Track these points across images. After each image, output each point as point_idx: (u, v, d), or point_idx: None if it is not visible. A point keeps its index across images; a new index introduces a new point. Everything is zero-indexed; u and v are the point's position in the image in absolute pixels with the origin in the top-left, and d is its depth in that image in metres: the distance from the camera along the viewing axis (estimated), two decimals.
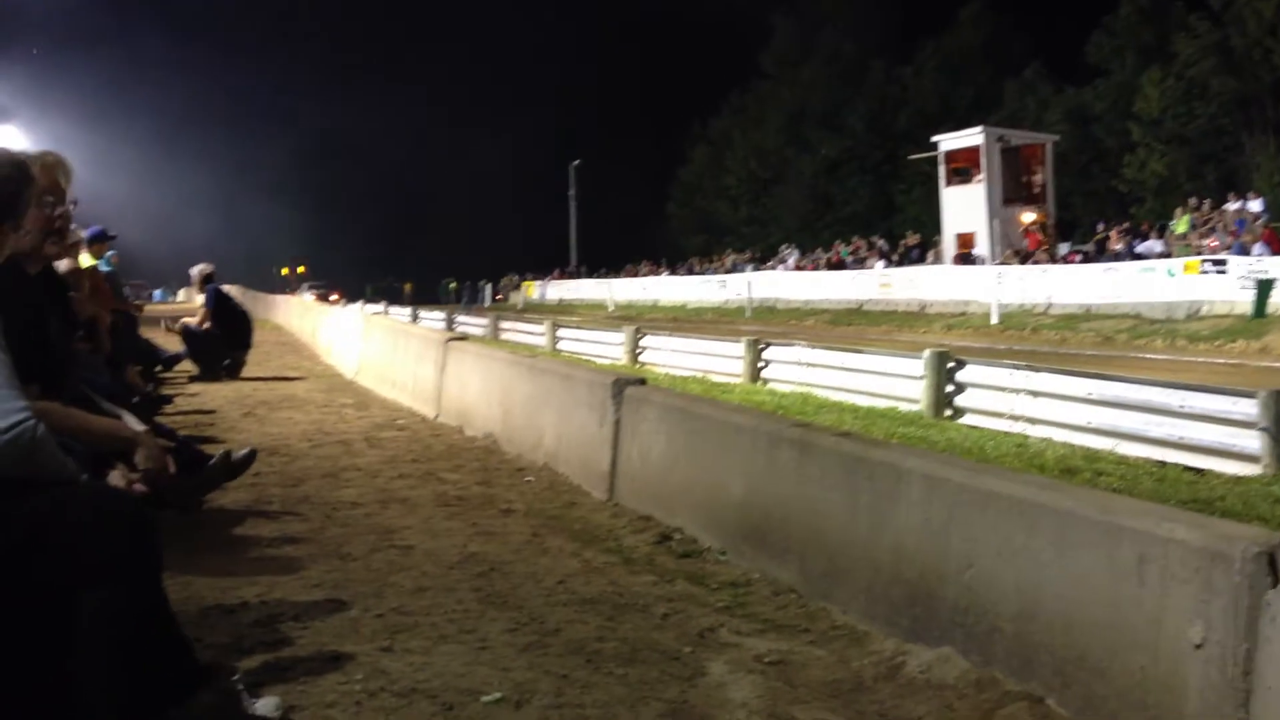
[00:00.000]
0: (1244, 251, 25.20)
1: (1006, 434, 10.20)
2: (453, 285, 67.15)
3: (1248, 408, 8.47)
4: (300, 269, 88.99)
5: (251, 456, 6.22)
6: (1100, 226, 33.44)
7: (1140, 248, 29.15)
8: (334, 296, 59.38)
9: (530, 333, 25.16)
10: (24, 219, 2.96)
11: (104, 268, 10.88)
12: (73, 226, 6.57)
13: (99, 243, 10.82)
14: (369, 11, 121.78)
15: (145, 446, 3.21)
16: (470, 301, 58.04)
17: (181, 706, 2.91)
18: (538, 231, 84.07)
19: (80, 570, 2.66)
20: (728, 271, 47.98)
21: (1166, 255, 27.74)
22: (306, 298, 57.36)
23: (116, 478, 3.16)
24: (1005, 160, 36.29)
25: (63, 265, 6.84)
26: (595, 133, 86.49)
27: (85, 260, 9.55)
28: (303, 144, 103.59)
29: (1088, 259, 30.70)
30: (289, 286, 71.93)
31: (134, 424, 3.65)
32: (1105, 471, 8.06)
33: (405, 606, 4.31)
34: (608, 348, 20.06)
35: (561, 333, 22.98)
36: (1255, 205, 28.46)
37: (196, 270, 14.49)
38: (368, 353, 13.71)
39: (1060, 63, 50.06)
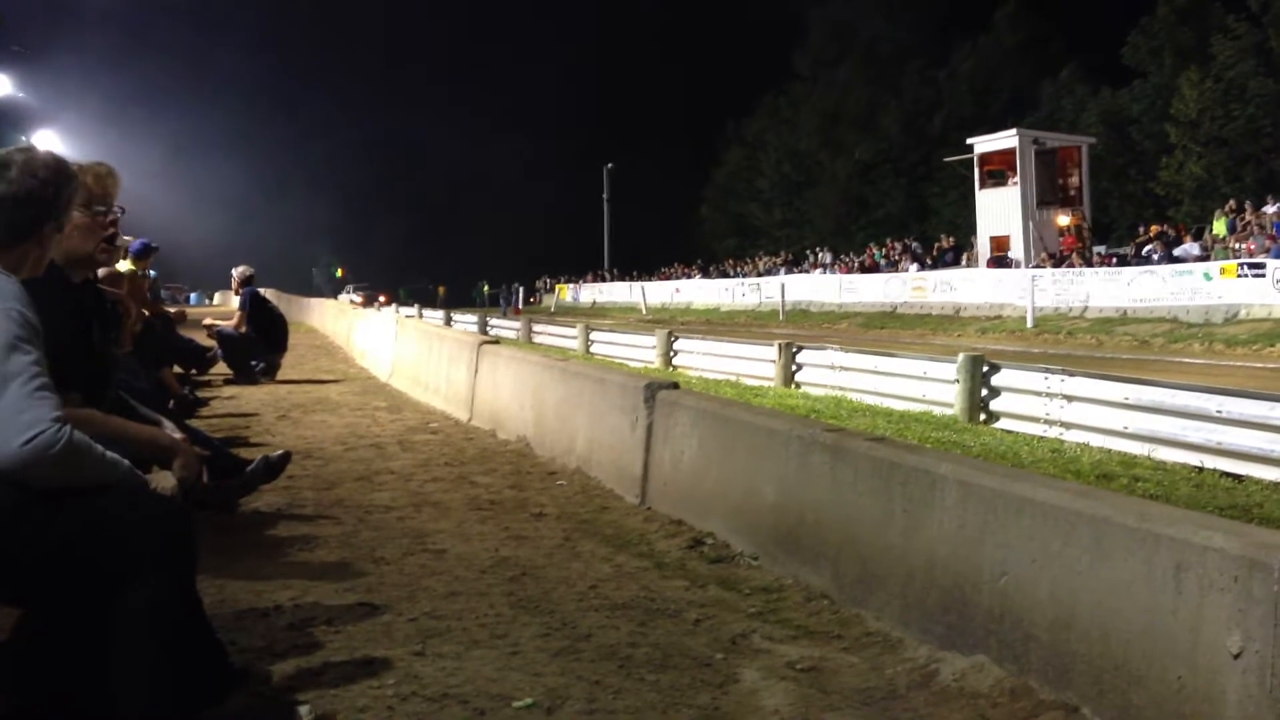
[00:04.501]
0: None
1: (1042, 439, 10.13)
2: (486, 288, 67.16)
3: None
4: (339, 272, 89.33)
5: (286, 458, 6.27)
6: (1140, 230, 33.13)
7: (1177, 251, 28.86)
8: (381, 299, 58.26)
9: (563, 336, 25.19)
10: (65, 220, 3.00)
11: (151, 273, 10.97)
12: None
13: (145, 257, 10.88)
14: (406, 15, 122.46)
15: (183, 455, 3.24)
16: (508, 304, 57.76)
17: (214, 709, 2.93)
18: (571, 234, 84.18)
19: (116, 571, 2.69)
20: (760, 274, 47.91)
21: (1204, 258, 27.47)
22: (354, 298, 56.84)
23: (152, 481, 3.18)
24: (1040, 162, 36.05)
25: (101, 270, 6.90)
26: (629, 135, 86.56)
27: (123, 266, 9.63)
28: (337, 146, 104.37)
29: (1123, 262, 30.44)
30: (325, 289, 71.75)
31: (172, 432, 3.68)
32: (1142, 477, 7.98)
33: (437, 611, 4.33)
34: (641, 351, 20.06)
35: (594, 336, 22.99)
36: None
37: (237, 272, 14.58)
38: (401, 356, 13.78)
39: (1097, 64, 49.65)
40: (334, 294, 65.84)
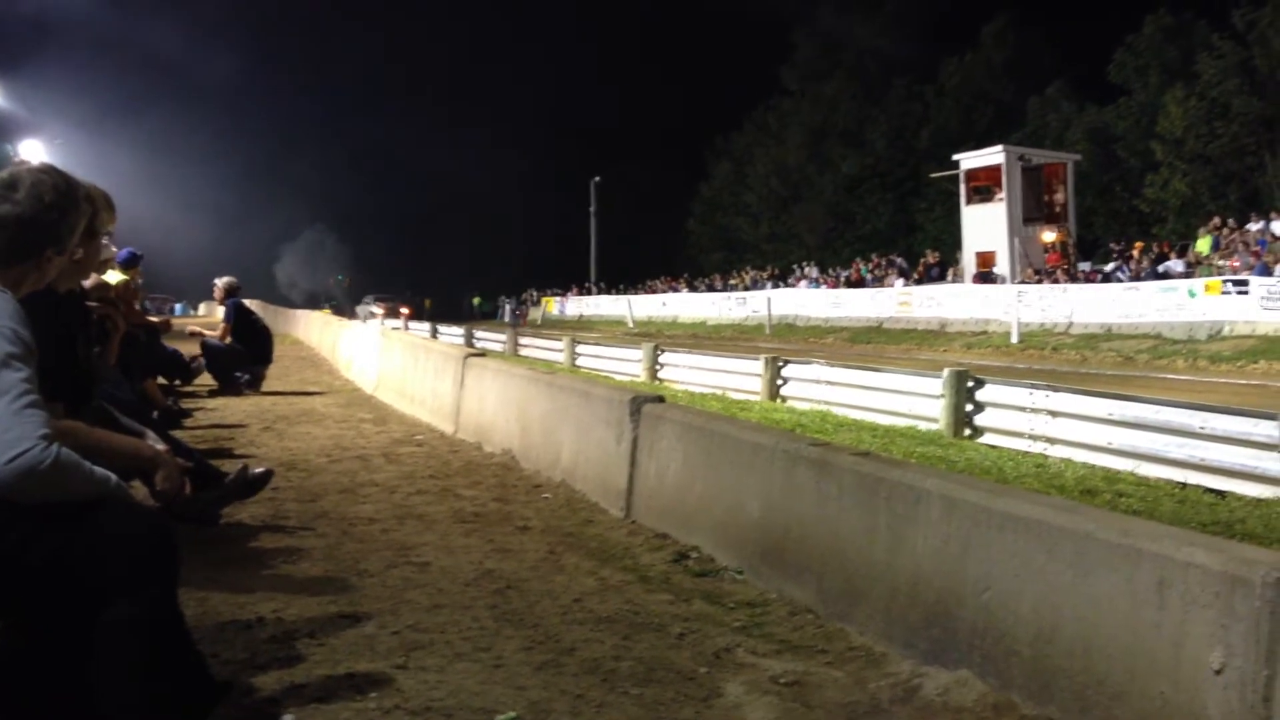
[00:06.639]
0: (1266, 272, 25.05)
1: (1026, 454, 10.16)
2: (478, 301, 66.60)
3: (1269, 429, 8.42)
4: (346, 281, 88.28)
5: (268, 476, 6.26)
6: (1121, 245, 33.33)
7: (1162, 267, 29.02)
8: (405, 311, 54.20)
9: (549, 349, 25.19)
10: (68, 246, 2.97)
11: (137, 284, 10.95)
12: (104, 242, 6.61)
13: (134, 265, 10.83)
14: (396, 26, 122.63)
15: (165, 467, 3.22)
16: (516, 317, 55.95)
17: None
18: (558, 247, 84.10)
19: (103, 584, 2.68)
20: (747, 288, 47.98)
21: (1188, 275, 27.63)
22: (374, 310, 54.94)
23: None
24: (1026, 179, 36.27)
25: (88, 281, 6.88)
26: (617, 148, 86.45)
27: (113, 277, 9.58)
28: (325, 157, 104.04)
29: (1108, 278, 30.59)
30: (332, 300, 69.47)
31: (155, 442, 3.66)
32: (1125, 493, 8.02)
33: (421, 624, 4.31)
34: (626, 364, 20.07)
35: (580, 349, 23.00)
36: (1278, 226, 28.28)
37: (222, 282, 14.50)
38: (386, 368, 13.75)
39: (1083, 81, 49.96)
40: (352, 305, 64.04)
